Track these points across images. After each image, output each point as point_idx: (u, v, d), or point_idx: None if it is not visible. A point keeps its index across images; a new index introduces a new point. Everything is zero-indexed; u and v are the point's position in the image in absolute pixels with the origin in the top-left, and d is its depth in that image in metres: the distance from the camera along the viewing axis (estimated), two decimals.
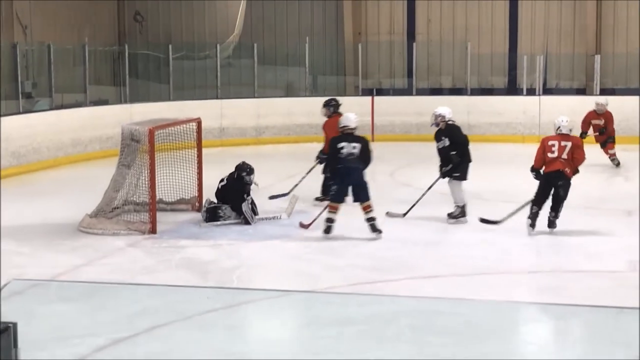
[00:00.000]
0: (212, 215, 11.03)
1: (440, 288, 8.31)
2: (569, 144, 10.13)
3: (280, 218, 11.16)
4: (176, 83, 20.84)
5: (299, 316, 7.77)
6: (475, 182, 14.15)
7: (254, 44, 21.50)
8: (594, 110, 15.36)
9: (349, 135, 10.30)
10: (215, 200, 11.23)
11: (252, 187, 11.34)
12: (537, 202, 10.19)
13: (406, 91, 22.27)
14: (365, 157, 10.21)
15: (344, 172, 10.18)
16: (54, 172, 15.86)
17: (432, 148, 11.38)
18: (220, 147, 18.72)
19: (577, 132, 13.58)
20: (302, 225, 10.62)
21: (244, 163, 11.44)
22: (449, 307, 7.58)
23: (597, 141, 15.26)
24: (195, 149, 12.13)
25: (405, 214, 11.27)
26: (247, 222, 10.93)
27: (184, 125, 12.13)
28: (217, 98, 20.47)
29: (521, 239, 10.14)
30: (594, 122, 15.18)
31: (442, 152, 11.03)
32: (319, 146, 12.63)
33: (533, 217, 10.17)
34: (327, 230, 10.21)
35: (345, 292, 8.10)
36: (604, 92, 19.44)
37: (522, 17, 22.71)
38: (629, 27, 21.89)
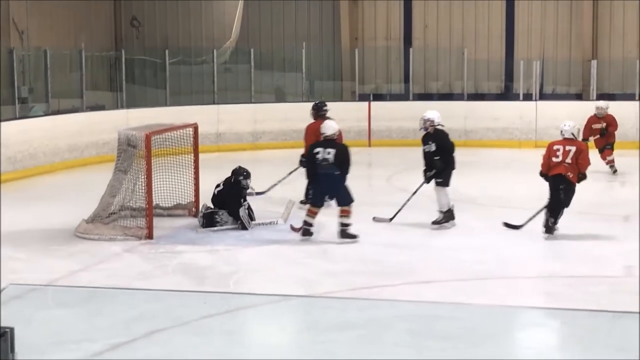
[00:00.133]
0: (209, 220, 11.02)
1: (439, 293, 8.29)
2: (573, 149, 10.18)
3: (276, 223, 11.15)
4: (173, 88, 20.83)
5: (298, 321, 7.76)
6: (472, 187, 14.22)
7: (250, 49, 21.51)
8: (595, 115, 15.31)
9: (326, 141, 10.41)
10: (212, 206, 11.22)
11: (249, 191, 11.35)
12: (549, 208, 10.23)
13: (403, 96, 22.30)
14: (339, 162, 10.23)
15: (318, 177, 10.40)
16: (50, 178, 15.83)
17: None
18: (217, 152, 18.71)
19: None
20: (293, 229, 10.66)
21: (240, 167, 11.44)
22: (447, 311, 7.57)
23: (596, 146, 15.16)
24: (192, 154, 12.12)
25: (391, 219, 11.28)
26: (244, 228, 10.91)
27: (181, 131, 12.12)
28: (213, 103, 20.48)
29: (519, 244, 10.14)
30: (595, 126, 15.16)
31: (427, 156, 11.05)
32: None
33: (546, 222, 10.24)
34: (304, 233, 10.34)
35: (344, 297, 8.09)
36: (600, 97, 19.41)
37: (518, 22, 22.74)
38: (626, 33, 21.93)
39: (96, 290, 8.36)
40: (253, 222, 11.09)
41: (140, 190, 10.75)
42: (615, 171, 15.18)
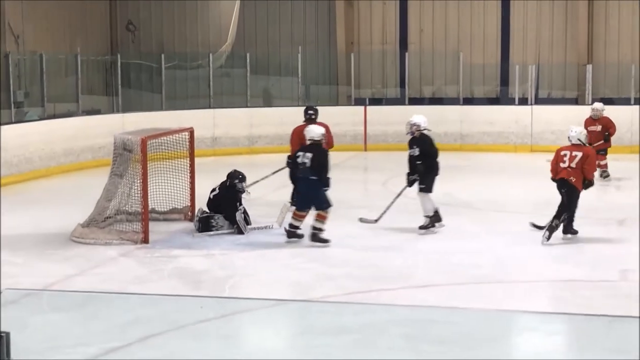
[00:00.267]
0: (204, 225, 11.01)
1: (434, 297, 8.30)
2: (580, 154, 10.26)
3: (272, 227, 11.15)
4: (169, 92, 20.84)
5: (293, 325, 7.76)
6: (467, 191, 14.24)
7: (246, 53, 21.53)
8: (590, 117, 15.31)
9: (308, 145, 10.47)
10: (208, 210, 11.22)
11: (244, 195, 11.35)
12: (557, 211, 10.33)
13: (399, 101, 22.31)
14: (315, 167, 10.24)
15: (297, 181, 10.59)
16: (46, 182, 15.82)
17: None
18: (213, 156, 18.70)
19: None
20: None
21: (235, 171, 11.45)
22: (443, 316, 7.58)
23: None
24: (188, 159, 12.12)
25: (377, 220, 11.28)
26: (240, 232, 10.92)
27: (177, 135, 12.12)
28: (209, 107, 20.49)
29: (515, 248, 10.15)
30: (590, 128, 15.13)
31: (411, 160, 11.05)
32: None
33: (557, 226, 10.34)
34: (289, 235, 10.42)
35: (339, 301, 8.09)
36: (596, 102, 19.45)
37: (514, 27, 22.76)
38: (621, 37, 21.96)
39: (92, 295, 8.36)
40: (249, 226, 11.09)
41: (136, 195, 10.75)
42: (607, 176, 15.09)
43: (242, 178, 11.31)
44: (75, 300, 8.24)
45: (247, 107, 20.83)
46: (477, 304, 7.93)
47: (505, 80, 22.51)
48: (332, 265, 9.49)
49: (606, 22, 22.07)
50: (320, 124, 11.69)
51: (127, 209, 10.96)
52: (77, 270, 9.31)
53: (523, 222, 11.01)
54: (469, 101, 21.86)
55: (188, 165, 12.11)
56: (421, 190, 10.95)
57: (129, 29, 24.25)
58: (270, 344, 7.14)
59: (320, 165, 10.26)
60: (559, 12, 22.46)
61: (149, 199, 10.89)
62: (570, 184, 10.18)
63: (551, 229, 10.19)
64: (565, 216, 10.22)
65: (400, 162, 17.81)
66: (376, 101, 22.90)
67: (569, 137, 10.51)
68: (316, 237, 10.27)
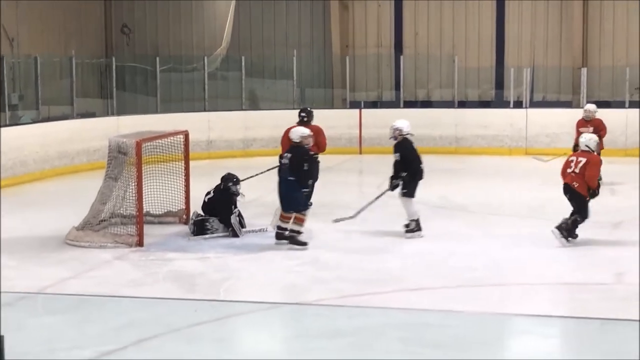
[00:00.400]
0: (199, 228, 11.00)
1: (429, 300, 8.29)
2: (584, 160, 10.35)
3: (266, 230, 11.14)
4: (163, 95, 20.83)
5: (288, 328, 7.76)
6: (462, 194, 14.25)
7: (241, 56, 21.55)
8: (583, 118, 15.34)
9: (290, 146, 10.54)
10: (203, 213, 11.20)
11: (239, 198, 11.34)
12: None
13: (394, 104, 22.36)
14: (293, 167, 10.29)
15: (279, 182, 10.56)
16: (40, 185, 15.80)
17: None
18: (208, 159, 18.70)
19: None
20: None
21: (229, 174, 11.44)
22: (438, 319, 7.58)
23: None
24: (183, 162, 12.11)
25: (353, 217, 11.25)
26: (235, 235, 10.91)
27: (172, 138, 12.11)
28: (204, 110, 20.49)
29: (510, 251, 10.15)
30: (582, 129, 15.15)
31: (395, 165, 11.03)
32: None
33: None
34: (277, 236, 10.45)
35: (334, 305, 8.08)
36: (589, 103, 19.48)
37: (509, 30, 22.80)
38: (615, 41, 22.00)
39: (86, 298, 8.34)
40: (244, 229, 11.09)
41: (131, 198, 10.73)
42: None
43: (237, 181, 11.31)
44: (70, 303, 8.22)
45: (242, 110, 20.83)
46: (473, 307, 7.92)
47: (500, 84, 22.56)
48: (327, 268, 9.47)
49: (601, 26, 22.12)
50: (314, 126, 11.70)
51: (121, 212, 10.94)
52: (71, 273, 9.29)
53: (518, 225, 11.02)
54: (463, 104, 21.88)
55: (183, 168, 12.10)
56: (403, 195, 10.91)
57: (123, 31, 24.25)
58: (264, 347, 7.14)
59: (299, 166, 10.28)
60: (554, 15, 22.51)
61: (144, 202, 10.86)
62: (573, 189, 10.26)
63: (560, 227, 10.25)
64: (571, 218, 10.27)
65: None
66: (371, 104, 22.92)
67: (580, 143, 10.75)
68: (293, 239, 10.28)
